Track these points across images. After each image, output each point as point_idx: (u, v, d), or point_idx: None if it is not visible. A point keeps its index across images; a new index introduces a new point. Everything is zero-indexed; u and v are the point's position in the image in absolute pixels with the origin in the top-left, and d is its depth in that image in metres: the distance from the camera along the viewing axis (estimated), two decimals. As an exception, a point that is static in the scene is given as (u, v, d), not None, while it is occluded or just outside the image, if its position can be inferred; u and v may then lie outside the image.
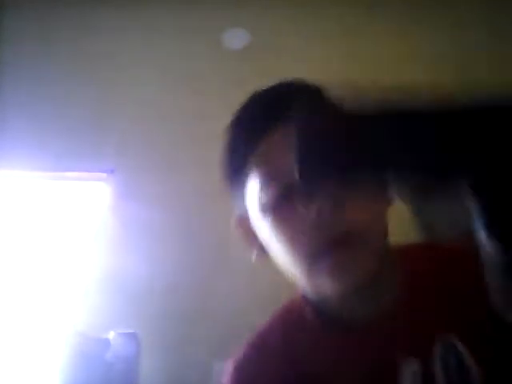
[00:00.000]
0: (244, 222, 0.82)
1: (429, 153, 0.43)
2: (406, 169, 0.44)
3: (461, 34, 2.80)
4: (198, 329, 2.55)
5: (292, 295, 0.86)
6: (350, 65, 2.70)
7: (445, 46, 2.77)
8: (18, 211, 2.77)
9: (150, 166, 2.74)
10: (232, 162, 0.81)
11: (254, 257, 0.83)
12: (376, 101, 0.43)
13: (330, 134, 0.44)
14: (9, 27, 2.83)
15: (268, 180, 0.75)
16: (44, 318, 2.61)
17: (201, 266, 2.62)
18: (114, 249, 2.61)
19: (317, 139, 0.44)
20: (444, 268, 0.80)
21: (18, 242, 2.72)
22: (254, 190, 0.77)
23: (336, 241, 0.72)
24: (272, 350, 0.83)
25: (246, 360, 0.85)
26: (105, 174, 2.77)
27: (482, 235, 0.43)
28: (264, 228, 0.78)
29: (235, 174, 0.80)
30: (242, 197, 0.80)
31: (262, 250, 0.81)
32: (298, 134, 0.44)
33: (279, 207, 0.75)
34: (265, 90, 0.80)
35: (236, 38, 2.84)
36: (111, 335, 2.27)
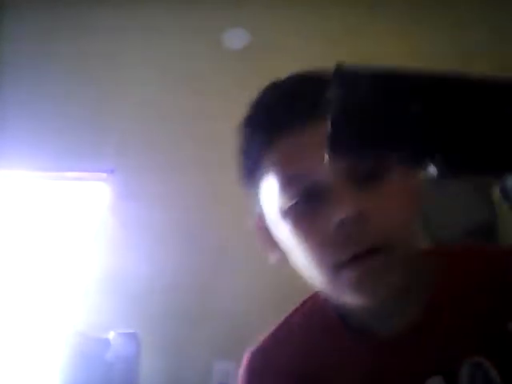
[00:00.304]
0: (263, 222, 0.77)
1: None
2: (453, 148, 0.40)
3: (461, 34, 2.80)
4: (198, 329, 2.55)
5: (296, 296, 0.84)
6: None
7: (445, 46, 2.77)
8: (17, 211, 2.77)
9: (150, 166, 2.74)
10: (247, 161, 0.76)
11: (272, 259, 0.79)
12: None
13: (367, 108, 0.40)
14: (9, 27, 2.83)
15: (287, 182, 0.70)
16: (44, 317, 2.60)
17: (201, 266, 2.62)
18: (113, 249, 2.61)
19: (353, 112, 0.40)
20: (484, 279, 0.74)
21: (18, 242, 2.72)
22: (271, 191, 0.73)
23: (361, 253, 0.67)
24: (290, 345, 0.81)
25: (262, 350, 0.83)
26: (105, 174, 2.77)
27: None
28: (283, 232, 0.73)
29: (251, 173, 0.75)
30: (259, 197, 0.76)
31: (282, 253, 0.76)
32: (334, 105, 0.40)
33: (299, 213, 0.70)
34: (282, 82, 0.75)
35: (236, 38, 2.83)
36: (111, 335, 2.27)
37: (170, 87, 2.82)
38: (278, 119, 0.71)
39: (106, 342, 2.24)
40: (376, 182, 0.69)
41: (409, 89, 0.41)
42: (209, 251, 2.63)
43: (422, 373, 0.71)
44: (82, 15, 2.85)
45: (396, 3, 2.86)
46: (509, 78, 0.39)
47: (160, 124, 2.80)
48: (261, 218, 0.77)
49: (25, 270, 2.68)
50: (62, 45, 2.84)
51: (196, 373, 2.51)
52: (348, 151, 0.41)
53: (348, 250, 0.67)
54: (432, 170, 0.40)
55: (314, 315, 0.82)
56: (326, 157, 0.40)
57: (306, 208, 0.69)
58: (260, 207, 0.76)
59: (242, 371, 0.85)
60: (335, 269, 0.68)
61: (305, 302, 0.84)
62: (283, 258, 0.76)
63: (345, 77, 0.41)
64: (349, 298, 0.71)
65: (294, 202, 0.70)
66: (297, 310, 0.85)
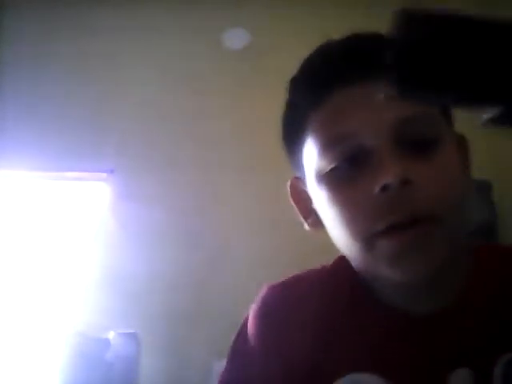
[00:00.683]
0: (299, 187, 0.73)
1: None
2: None
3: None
4: (198, 329, 2.55)
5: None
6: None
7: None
8: (18, 211, 2.77)
9: (150, 166, 2.74)
10: (291, 122, 0.72)
11: (306, 226, 0.74)
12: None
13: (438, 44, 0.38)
14: (9, 27, 2.83)
15: (329, 144, 0.65)
16: (44, 317, 2.61)
17: (201, 266, 2.62)
18: (113, 249, 2.61)
19: (419, 52, 0.38)
20: None
21: (18, 242, 2.72)
22: (312, 153, 0.68)
23: (402, 223, 0.61)
24: (311, 300, 0.75)
25: (283, 286, 0.80)
26: (105, 174, 2.77)
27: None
28: (319, 198, 0.68)
29: (294, 134, 0.71)
30: (299, 159, 0.71)
31: (317, 219, 0.71)
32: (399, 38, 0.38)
33: (338, 178, 0.65)
34: (334, 41, 0.71)
35: (236, 38, 2.84)
36: (111, 335, 2.27)
37: (170, 87, 2.82)
38: (328, 78, 0.67)
39: (106, 342, 2.25)
40: (427, 149, 0.64)
41: (475, 33, 0.40)
42: (208, 251, 2.64)
43: (447, 361, 0.67)
44: (82, 15, 2.86)
45: (395, 3, 2.85)
46: None
47: (160, 124, 2.80)
48: (299, 183, 0.73)
49: (25, 270, 2.68)
50: (62, 45, 2.84)
51: (196, 373, 2.51)
52: (413, 90, 0.39)
53: (385, 219, 0.62)
54: (492, 113, 0.38)
55: (338, 286, 0.75)
56: (391, 93, 0.37)
57: (346, 173, 0.65)
58: (301, 171, 0.72)
59: (255, 305, 0.81)
60: (371, 241, 0.63)
61: (324, 269, 0.78)
62: (319, 225, 0.72)
63: (410, 18, 0.40)
64: (382, 274, 0.65)
65: (333, 165, 0.65)
66: (323, 268, 0.78)
